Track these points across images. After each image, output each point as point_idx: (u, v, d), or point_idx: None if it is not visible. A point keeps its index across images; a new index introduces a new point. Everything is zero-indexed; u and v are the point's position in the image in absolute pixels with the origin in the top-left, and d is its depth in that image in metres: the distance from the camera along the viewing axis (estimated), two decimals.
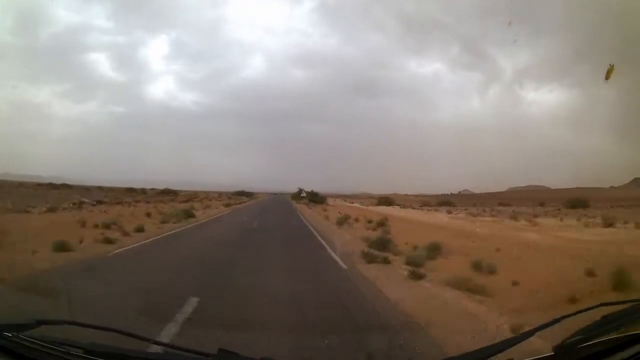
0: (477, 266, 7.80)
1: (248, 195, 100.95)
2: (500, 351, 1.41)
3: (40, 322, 1.49)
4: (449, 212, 38.93)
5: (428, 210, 47.66)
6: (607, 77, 3.67)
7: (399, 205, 60.54)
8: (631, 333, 1.35)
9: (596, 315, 1.44)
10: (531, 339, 1.47)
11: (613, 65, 3.68)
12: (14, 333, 1.43)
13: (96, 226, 14.41)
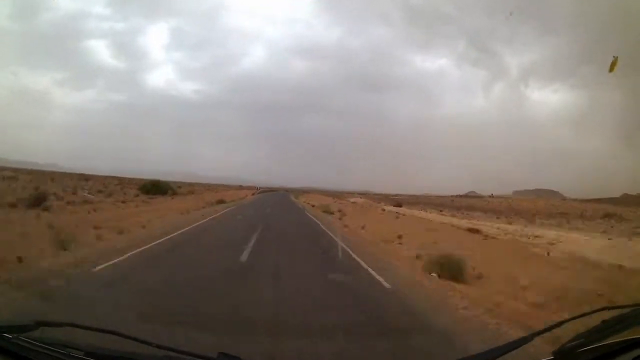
0: None
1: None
2: (499, 356, 1.40)
3: (39, 324, 1.49)
4: None
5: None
6: (610, 70, 3.65)
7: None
8: (631, 337, 1.34)
9: (596, 319, 1.42)
10: (531, 343, 1.46)
11: (617, 57, 3.65)
12: (14, 334, 1.43)
13: None
